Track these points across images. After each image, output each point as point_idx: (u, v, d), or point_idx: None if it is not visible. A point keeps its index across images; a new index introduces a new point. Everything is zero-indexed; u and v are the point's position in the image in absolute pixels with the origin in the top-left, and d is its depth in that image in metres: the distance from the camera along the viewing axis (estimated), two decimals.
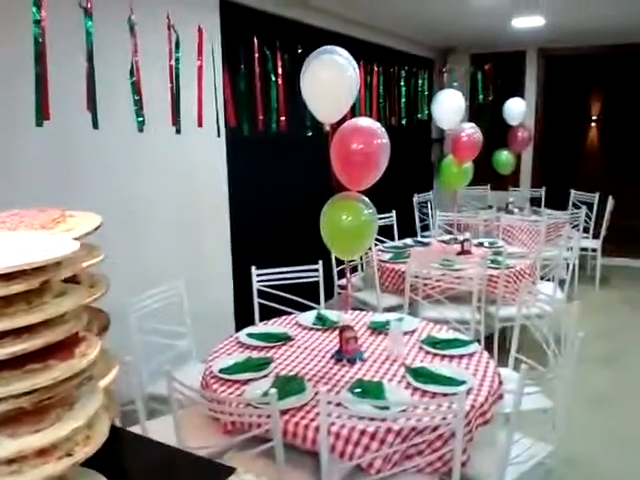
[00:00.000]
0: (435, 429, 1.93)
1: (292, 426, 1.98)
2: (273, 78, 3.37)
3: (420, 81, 6.42)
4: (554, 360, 2.56)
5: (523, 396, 2.05)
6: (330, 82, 2.37)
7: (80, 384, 0.93)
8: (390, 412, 1.99)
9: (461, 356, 2.47)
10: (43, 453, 0.89)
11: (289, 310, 3.16)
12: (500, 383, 2.36)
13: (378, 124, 2.51)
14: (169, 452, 1.48)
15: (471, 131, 4.70)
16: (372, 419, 1.95)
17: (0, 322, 0.81)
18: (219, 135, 3.08)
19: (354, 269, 4.54)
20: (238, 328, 3.51)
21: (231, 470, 1.28)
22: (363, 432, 1.92)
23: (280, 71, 3.40)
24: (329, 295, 4.20)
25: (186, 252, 3.60)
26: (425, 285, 3.54)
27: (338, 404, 2.02)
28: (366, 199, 2.40)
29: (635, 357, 4.11)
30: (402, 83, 5.93)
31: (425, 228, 6.05)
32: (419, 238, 5.11)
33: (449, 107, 4.56)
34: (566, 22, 5.79)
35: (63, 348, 0.92)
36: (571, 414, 3.15)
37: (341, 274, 4.54)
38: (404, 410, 2.00)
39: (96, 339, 0.98)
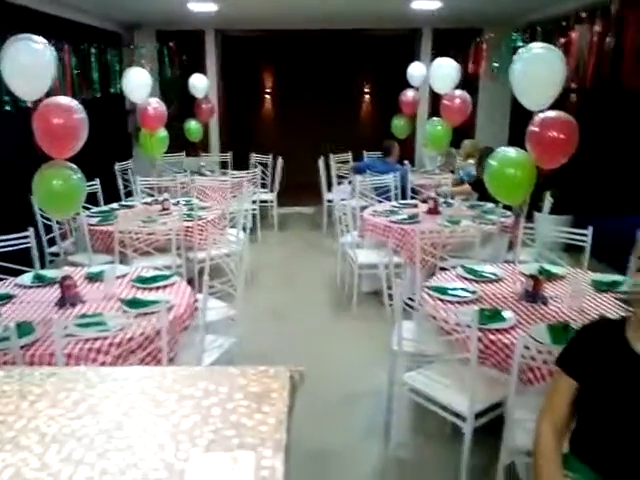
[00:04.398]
0: (143, 334, 2.59)
1: (28, 358, 2.42)
2: None
3: (110, 56, 6.73)
4: (237, 284, 3.40)
5: (213, 310, 2.91)
6: (29, 65, 2.75)
7: None
8: (110, 332, 2.58)
9: (165, 286, 3.16)
10: None
11: (3, 277, 3.30)
12: (195, 301, 3.14)
13: (76, 101, 2.99)
14: None
15: (156, 105, 5.34)
16: (96, 339, 2.53)
17: None
18: None
19: (64, 235, 4.83)
20: None
21: None
22: (90, 349, 2.49)
23: None
24: (41, 265, 4.42)
25: None
26: (135, 240, 4.14)
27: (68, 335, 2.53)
28: (73, 165, 2.89)
29: (302, 279, 5.40)
30: (93, 59, 6.20)
31: (129, 194, 6.52)
32: (124, 202, 5.62)
33: (137, 83, 5.12)
34: (238, 9, 6.64)
35: None
36: (257, 322, 4.19)
37: (51, 242, 4.81)
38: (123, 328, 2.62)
39: None
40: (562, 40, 5.10)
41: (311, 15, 7.01)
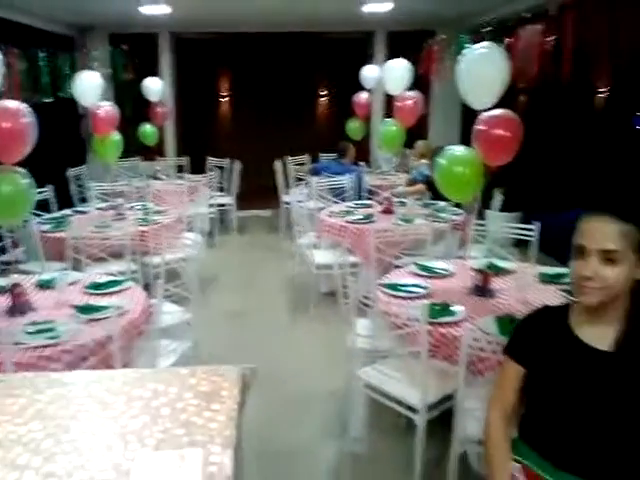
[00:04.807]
0: (95, 340, 2.56)
1: None
2: None
3: (62, 60, 6.62)
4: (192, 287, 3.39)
5: (170, 314, 2.90)
6: None
7: None
8: (61, 338, 2.54)
9: (119, 291, 3.13)
10: None
11: None
12: (150, 306, 3.11)
13: (24, 105, 2.94)
14: None
15: (108, 108, 5.27)
16: (47, 346, 2.49)
17: None
18: None
19: (15, 243, 4.70)
20: None
21: None
22: (40, 357, 2.45)
23: None
24: None
25: None
26: (88, 246, 4.08)
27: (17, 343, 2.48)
28: (22, 170, 2.85)
29: (261, 282, 5.41)
30: (44, 63, 6.09)
31: (85, 200, 6.40)
32: (78, 208, 5.52)
33: (88, 86, 5.04)
34: (191, 11, 6.63)
35: None
36: (215, 325, 4.19)
37: (3, 250, 4.68)
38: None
39: None
40: (508, 41, 5.26)
41: (265, 18, 7.04)
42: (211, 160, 7.42)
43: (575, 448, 1.55)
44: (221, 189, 7.12)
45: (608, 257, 1.47)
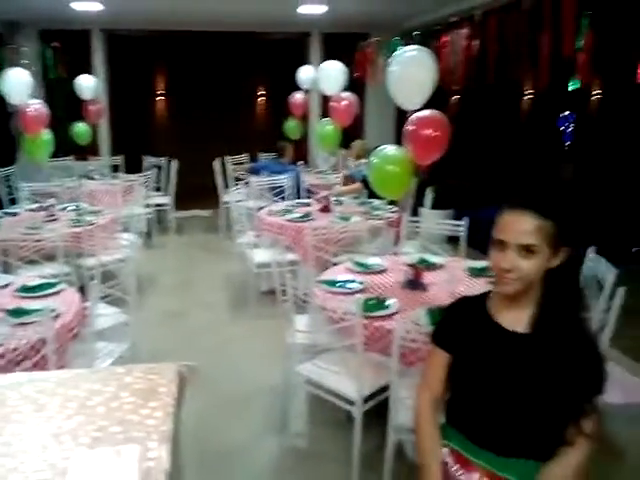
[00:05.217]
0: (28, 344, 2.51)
1: None
2: None
3: None
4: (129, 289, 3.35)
5: (107, 316, 2.87)
6: None
7: None
8: None
9: (51, 294, 3.05)
10: None
11: None
12: (85, 308, 3.06)
13: None
14: None
15: (38, 106, 5.11)
16: None
17: None
18: None
19: None
20: None
21: None
22: None
23: None
24: None
25: None
26: (20, 248, 3.95)
27: None
28: None
29: (200, 282, 5.38)
30: None
31: (15, 201, 6.16)
32: (8, 210, 5.32)
33: (16, 83, 4.88)
34: (124, 8, 6.49)
35: None
36: (154, 326, 4.16)
37: None
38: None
39: None
40: (436, 44, 5.45)
41: (200, 17, 6.98)
42: (148, 159, 7.30)
43: (498, 428, 1.63)
44: (158, 189, 7.02)
45: (525, 250, 1.55)
